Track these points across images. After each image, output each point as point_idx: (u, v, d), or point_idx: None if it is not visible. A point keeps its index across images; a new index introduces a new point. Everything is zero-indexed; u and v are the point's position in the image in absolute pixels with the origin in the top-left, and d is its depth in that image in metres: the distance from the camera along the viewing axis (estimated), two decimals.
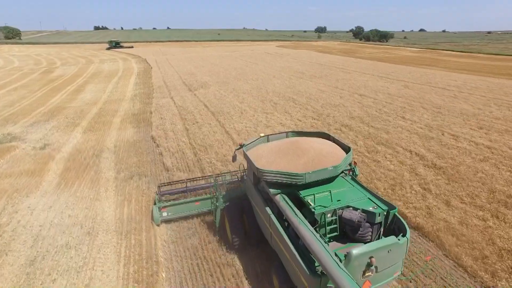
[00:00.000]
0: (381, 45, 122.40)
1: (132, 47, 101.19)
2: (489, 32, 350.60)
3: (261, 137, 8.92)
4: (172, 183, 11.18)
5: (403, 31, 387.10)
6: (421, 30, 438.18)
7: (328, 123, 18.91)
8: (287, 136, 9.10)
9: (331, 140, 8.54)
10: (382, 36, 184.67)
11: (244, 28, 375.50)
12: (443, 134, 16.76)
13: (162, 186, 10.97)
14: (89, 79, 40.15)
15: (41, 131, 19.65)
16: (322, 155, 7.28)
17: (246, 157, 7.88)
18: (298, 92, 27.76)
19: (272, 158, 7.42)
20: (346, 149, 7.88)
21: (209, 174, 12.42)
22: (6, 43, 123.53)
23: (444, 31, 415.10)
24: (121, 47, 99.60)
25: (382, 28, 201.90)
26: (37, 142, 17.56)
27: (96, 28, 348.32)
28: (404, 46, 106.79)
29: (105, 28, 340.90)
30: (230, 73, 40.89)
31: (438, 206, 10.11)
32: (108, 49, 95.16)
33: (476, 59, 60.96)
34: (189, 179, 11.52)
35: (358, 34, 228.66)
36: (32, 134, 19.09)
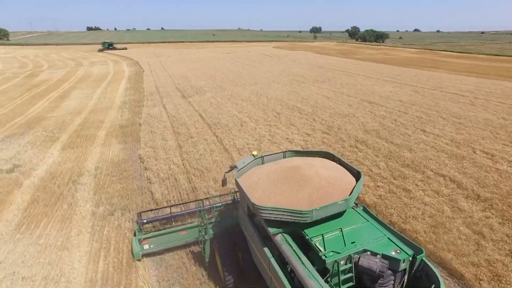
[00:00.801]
0: (378, 45, 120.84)
1: (125, 48, 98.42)
2: (482, 32, 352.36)
3: (254, 157, 7.72)
4: (154, 209, 9.80)
5: (397, 31, 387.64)
6: (416, 30, 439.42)
7: (341, 138, 16.67)
8: (284, 157, 7.90)
9: (336, 161, 7.40)
10: (378, 37, 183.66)
11: (239, 28, 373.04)
12: (475, 152, 14.60)
13: (142, 213, 9.51)
14: (76, 84, 37.58)
15: (13, 148, 17.19)
16: (329, 184, 6.11)
17: (238, 186, 6.61)
18: (302, 100, 25.51)
19: (270, 189, 6.20)
20: (355, 174, 6.69)
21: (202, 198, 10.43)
22: None
23: (438, 31, 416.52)
24: (115, 48, 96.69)
25: (376, 28, 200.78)
26: (6, 163, 15.11)
27: (89, 28, 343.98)
28: (402, 47, 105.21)
29: (98, 29, 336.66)
30: (227, 77, 38.55)
31: (503, 262, 7.89)
32: (100, 51, 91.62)
33: (478, 60, 59.25)
34: (174, 204, 10.16)
35: (353, 34, 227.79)
36: (1, 151, 16.61)
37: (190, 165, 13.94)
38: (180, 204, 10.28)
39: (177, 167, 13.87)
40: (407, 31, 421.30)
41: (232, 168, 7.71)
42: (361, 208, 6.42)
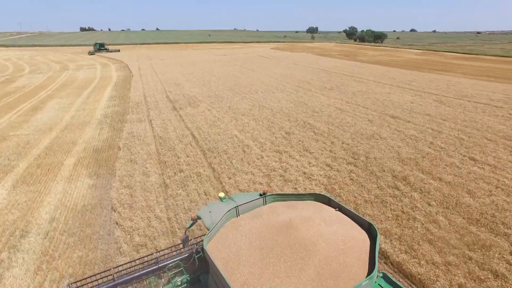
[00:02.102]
0: (379, 46, 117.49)
1: (118, 50, 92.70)
2: (478, 33, 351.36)
3: (222, 200, 6.55)
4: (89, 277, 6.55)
5: (394, 31, 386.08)
6: (412, 30, 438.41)
7: (373, 172, 12.94)
8: (264, 203, 6.18)
9: (333, 206, 5.71)
10: (376, 37, 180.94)
11: (235, 29, 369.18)
12: None
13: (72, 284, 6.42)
14: (55, 92, 33.60)
15: None
16: (340, 250, 4.44)
17: (210, 261, 4.70)
18: (312, 113, 21.79)
19: (259, 267, 4.33)
20: (363, 225, 5.12)
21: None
22: None
23: (434, 31, 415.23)
24: (107, 50, 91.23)
25: (373, 28, 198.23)
26: None
27: (83, 29, 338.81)
28: (403, 48, 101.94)
29: (92, 29, 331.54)
30: (224, 84, 34.74)
31: None
32: (91, 53, 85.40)
33: (487, 62, 56.02)
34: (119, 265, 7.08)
35: (351, 34, 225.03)
36: None
37: (178, 219, 10.14)
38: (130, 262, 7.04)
39: (160, 223, 10.06)
40: (403, 31, 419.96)
41: (195, 221, 6.37)
42: (381, 276, 4.83)
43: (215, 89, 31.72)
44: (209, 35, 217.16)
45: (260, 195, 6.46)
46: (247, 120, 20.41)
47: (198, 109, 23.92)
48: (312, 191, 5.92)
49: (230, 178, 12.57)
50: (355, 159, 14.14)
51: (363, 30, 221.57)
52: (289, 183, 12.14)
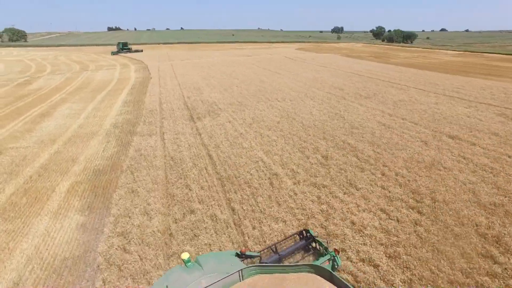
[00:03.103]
0: (410, 47, 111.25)
1: (141, 50, 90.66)
2: None
3: (185, 263, 4.92)
4: None
5: (423, 31, 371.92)
6: (442, 29, 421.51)
7: (448, 225, 9.49)
8: (241, 278, 4.42)
9: (336, 285, 4.09)
10: (405, 37, 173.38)
11: (259, 28, 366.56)
12: None
13: None
14: (69, 95, 31.68)
15: None
16: None
17: None
18: (351, 129, 18.38)
19: None
20: None
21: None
22: (9, 46, 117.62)
23: (467, 30, 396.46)
24: (129, 50, 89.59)
25: (400, 28, 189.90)
26: None
27: (110, 28, 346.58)
28: (438, 49, 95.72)
29: (119, 29, 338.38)
30: (247, 89, 31.75)
31: None
32: (114, 53, 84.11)
33: None
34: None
35: (379, 34, 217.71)
36: None
37: None
38: None
39: None
40: (433, 30, 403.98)
41: None
42: None
43: (238, 95, 28.77)
44: (233, 35, 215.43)
45: (237, 255, 5.63)
46: (275, 137, 17.27)
47: (217, 120, 21.01)
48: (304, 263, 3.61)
49: (254, 228, 9.49)
50: (418, 201, 10.71)
51: (390, 30, 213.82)
52: (335, 239, 8.91)
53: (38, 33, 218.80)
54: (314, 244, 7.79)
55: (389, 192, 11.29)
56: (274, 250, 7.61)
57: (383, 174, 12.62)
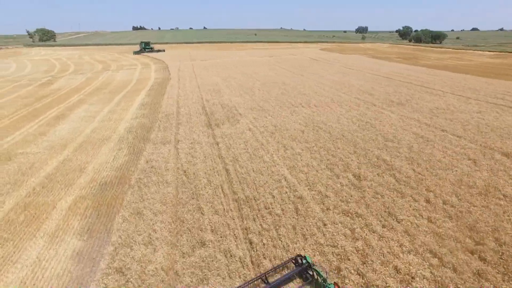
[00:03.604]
0: (440, 47, 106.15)
1: (163, 50, 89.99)
2: None
3: None
4: None
5: (452, 30, 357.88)
6: (474, 29, 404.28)
7: None
8: None
9: None
10: (434, 37, 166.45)
11: (281, 28, 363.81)
12: None
13: None
14: (87, 96, 31.04)
15: None
16: None
17: None
18: (385, 142, 16.38)
19: None
20: None
21: None
22: (39, 46, 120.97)
23: (501, 29, 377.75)
24: (151, 49, 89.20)
25: (427, 27, 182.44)
26: None
27: (135, 28, 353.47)
28: (470, 49, 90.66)
29: (143, 28, 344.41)
30: (269, 92, 30.08)
31: None
32: (136, 53, 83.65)
33: None
34: None
35: (405, 34, 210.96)
36: None
37: None
38: None
39: None
40: (463, 30, 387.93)
41: None
42: None
43: (259, 99, 27.16)
44: (255, 34, 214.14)
45: None
46: (299, 150, 15.52)
47: (237, 128, 19.47)
48: None
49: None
50: (478, 243, 8.73)
51: (417, 30, 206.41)
52: None
53: (67, 33, 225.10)
54: (311, 273, 7.24)
55: (438, 227, 9.35)
56: (265, 280, 7.05)
57: (428, 202, 10.66)
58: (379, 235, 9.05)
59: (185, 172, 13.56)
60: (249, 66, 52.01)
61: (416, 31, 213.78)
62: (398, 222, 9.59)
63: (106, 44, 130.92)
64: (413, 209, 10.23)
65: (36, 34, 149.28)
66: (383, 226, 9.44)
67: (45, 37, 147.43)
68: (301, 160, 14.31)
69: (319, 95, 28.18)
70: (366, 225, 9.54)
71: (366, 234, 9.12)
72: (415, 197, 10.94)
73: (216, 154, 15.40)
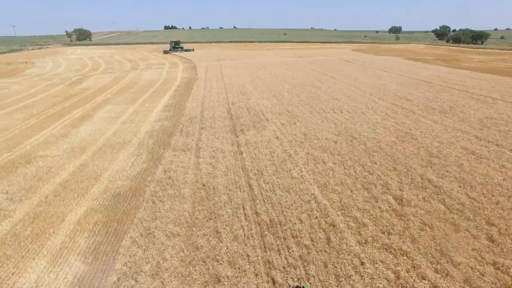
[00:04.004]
0: (483, 48, 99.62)
1: (192, 50, 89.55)
2: None
3: None
4: None
5: (496, 29, 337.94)
6: None
7: None
8: None
9: None
10: (475, 37, 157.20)
11: (311, 28, 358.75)
12: None
13: None
14: (113, 96, 30.79)
15: None
16: None
17: None
18: (430, 158, 14.43)
19: None
20: None
21: None
22: (76, 45, 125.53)
23: None
24: (181, 48, 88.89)
25: (466, 27, 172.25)
26: None
27: (166, 27, 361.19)
28: None
29: (174, 27, 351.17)
30: (299, 95, 28.50)
31: None
32: (166, 52, 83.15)
33: None
34: None
35: (442, 35, 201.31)
36: None
37: None
38: None
39: None
40: (508, 29, 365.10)
41: None
42: None
43: (288, 103, 25.66)
44: (285, 34, 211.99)
45: None
46: (331, 163, 13.92)
47: (263, 135, 18.11)
48: None
49: None
50: None
51: (455, 30, 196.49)
52: None
53: (102, 32, 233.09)
54: None
55: (509, 277, 7.51)
56: None
57: (491, 240, 8.80)
58: (432, 283, 7.36)
59: (204, 185, 12.36)
60: (278, 67, 50.53)
61: (454, 30, 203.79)
62: (455, 267, 7.85)
63: (137, 43, 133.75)
64: (473, 249, 8.43)
65: (73, 34, 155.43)
66: (436, 271, 7.73)
67: (82, 36, 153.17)
68: (334, 176, 12.72)
69: (352, 100, 26.26)
70: (414, 267, 7.87)
71: (415, 280, 7.47)
72: (473, 232, 9.10)
73: (239, 166, 14.11)
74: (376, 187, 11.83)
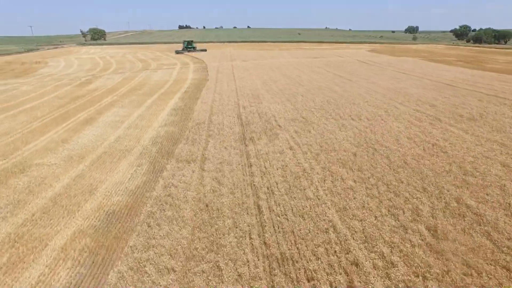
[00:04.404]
0: (507, 48, 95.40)
1: (205, 50, 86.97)
2: None
3: None
4: None
5: None
6: None
7: None
8: None
9: None
10: (498, 37, 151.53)
11: (326, 27, 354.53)
12: None
13: None
14: (120, 98, 29.78)
15: None
16: None
17: None
18: (464, 176, 12.66)
19: None
20: None
21: None
22: (90, 44, 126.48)
23: None
24: (194, 48, 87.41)
25: (487, 26, 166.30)
26: None
27: (181, 27, 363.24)
28: None
29: (188, 27, 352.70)
30: (314, 99, 26.88)
31: None
32: (178, 52, 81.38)
33: None
34: None
35: (462, 34, 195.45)
36: None
37: None
38: None
39: None
40: None
41: None
42: None
43: (302, 108, 24.08)
44: (299, 34, 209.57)
45: None
46: (351, 182, 12.31)
47: (275, 144, 16.60)
48: None
49: None
50: None
51: (475, 29, 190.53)
52: None
53: (117, 32, 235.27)
54: None
55: None
56: None
57: None
58: None
59: (207, 206, 10.94)
60: (292, 68, 48.89)
61: (475, 30, 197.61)
62: None
63: (151, 43, 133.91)
64: None
65: (88, 33, 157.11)
66: None
67: (96, 36, 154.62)
68: (354, 198, 11.12)
69: (371, 105, 24.48)
70: None
71: None
72: None
73: (247, 182, 12.64)
74: (404, 212, 10.18)
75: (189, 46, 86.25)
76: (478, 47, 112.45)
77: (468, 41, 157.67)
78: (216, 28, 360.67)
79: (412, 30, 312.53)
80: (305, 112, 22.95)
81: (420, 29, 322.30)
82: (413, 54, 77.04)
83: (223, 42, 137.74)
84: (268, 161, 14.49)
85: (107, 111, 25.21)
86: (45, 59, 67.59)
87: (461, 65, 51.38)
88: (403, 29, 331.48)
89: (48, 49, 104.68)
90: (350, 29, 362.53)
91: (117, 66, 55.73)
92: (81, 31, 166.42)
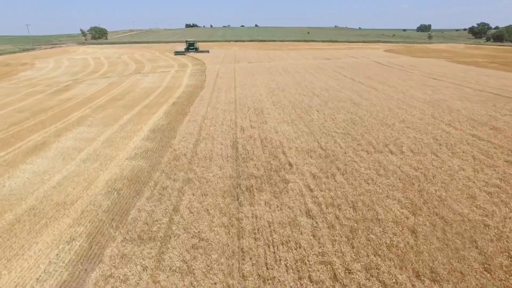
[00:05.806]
0: None
1: (207, 51, 78.89)
2: None
3: None
4: None
5: None
6: None
7: None
8: None
9: None
10: None
11: (335, 26, 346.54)
12: None
13: None
14: (93, 111, 24.23)
15: None
16: None
17: None
18: None
19: None
20: None
21: None
22: (90, 44, 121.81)
23: None
24: (196, 49, 78.46)
25: (508, 24, 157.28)
26: None
27: (187, 25, 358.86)
28: None
29: (195, 26, 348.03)
30: (334, 117, 20.97)
31: None
32: (178, 53, 73.27)
33: None
34: None
35: (480, 33, 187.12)
36: None
37: None
38: None
39: None
40: None
41: None
42: None
43: (320, 131, 18.20)
44: (308, 33, 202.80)
45: None
46: (403, 277, 6.38)
47: (283, 204, 10.77)
48: None
49: None
50: None
51: (495, 27, 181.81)
52: None
53: (121, 31, 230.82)
54: None
55: None
56: None
57: None
58: None
59: None
60: (303, 71, 42.91)
61: (491, 28, 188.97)
62: None
63: (154, 42, 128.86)
64: None
65: (89, 32, 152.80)
66: None
67: (97, 35, 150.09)
68: None
69: (411, 128, 18.48)
70: None
71: None
72: None
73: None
74: None
75: (190, 47, 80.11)
76: (502, 45, 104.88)
77: (488, 39, 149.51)
78: (223, 26, 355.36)
79: (424, 28, 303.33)
80: (324, 138, 17.06)
81: (432, 28, 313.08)
82: (434, 54, 70.38)
83: (229, 41, 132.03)
84: (271, 246, 8.68)
85: (68, 132, 19.66)
86: (34, 60, 62.64)
87: (497, 68, 44.83)
88: (414, 28, 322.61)
89: (44, 48, 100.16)
90: (359, 28, 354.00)
91: (108, 68, 50.36)
92: (81, 30, 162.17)
